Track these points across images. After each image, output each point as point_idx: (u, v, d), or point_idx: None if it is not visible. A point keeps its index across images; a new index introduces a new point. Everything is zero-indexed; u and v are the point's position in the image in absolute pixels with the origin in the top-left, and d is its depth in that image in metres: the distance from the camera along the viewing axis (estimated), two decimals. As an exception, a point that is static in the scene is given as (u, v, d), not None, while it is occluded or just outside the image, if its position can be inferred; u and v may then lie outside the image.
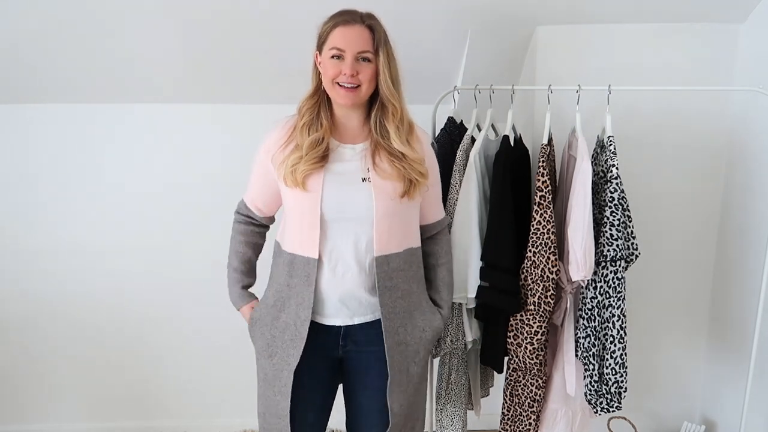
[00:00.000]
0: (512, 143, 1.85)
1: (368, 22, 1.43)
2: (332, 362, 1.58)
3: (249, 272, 1.69)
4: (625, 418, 2.32)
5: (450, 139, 1.99)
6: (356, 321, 1.53)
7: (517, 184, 1.86)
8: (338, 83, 1.42)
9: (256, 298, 1.66)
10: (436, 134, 2.06)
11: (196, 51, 2.14)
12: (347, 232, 1.47)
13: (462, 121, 2.09)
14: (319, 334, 1.51)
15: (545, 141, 1.81)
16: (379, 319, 1.51)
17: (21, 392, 2.58)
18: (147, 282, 2.50)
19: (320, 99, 1.50)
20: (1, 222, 2.43)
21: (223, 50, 2.13)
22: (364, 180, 1.47)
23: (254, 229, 1.68)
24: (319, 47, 1.46)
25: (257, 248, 1.71)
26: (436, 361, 2.06)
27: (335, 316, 1.52)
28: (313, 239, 1.46)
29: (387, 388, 1.52)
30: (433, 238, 1.67)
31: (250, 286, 1.69)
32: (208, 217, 2.44)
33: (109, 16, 1.99)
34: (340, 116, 1.51)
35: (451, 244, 1.75)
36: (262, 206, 1.64)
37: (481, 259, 1.82)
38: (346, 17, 1.42)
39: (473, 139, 1.91)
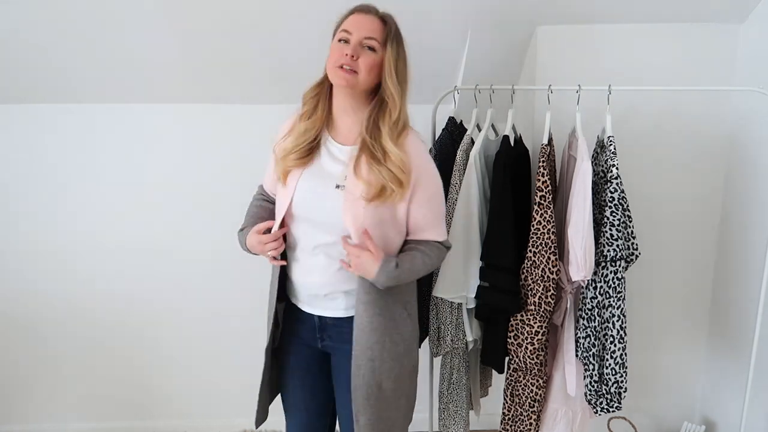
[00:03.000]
0: (512, 143, 1.85)
1: (382, 14, 1.47)
2: (315, 350, 1.62)
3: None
4: (625, 418, 2.32)
5: (451, 139, 1.99)
6: (325, 313, 1.55)
7: (518, 184, 1.86)
8: (338, 66, 1.41)
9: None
10: (437, 134, 2.07)
11: (196, 51, 2.13)
12: (315, 232, 1.49)
13: (462, 121, 2.09)
14: (298, 319, 1.59)
15: (545, 141, 1.81)
16: (353, 316, 1.51)
17: (21, 392, 2.58)
18: (147, 282, 2.50)
19: (323, 90, 1.50)
20: (1, 222, 2.43)
21: (223, 50, 2.13)
22: (338, 187, 1.45)
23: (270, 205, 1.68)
24: (333, 35, 1.48)
25: (272, 214, 1.66)
26: (438, 361, 2.07)
27: (310, 305, 1.57)
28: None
29: (352, 401, 1.51)
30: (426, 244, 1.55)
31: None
32: (209, 216, 2.45)
33: (109, 16, 1.99)
34: (338, 110, 1.50)
35: (439, 257, 1.57)
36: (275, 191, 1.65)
37: (481, 259, 1.82)
38: (363, 7, 1.47)
39: (473, 140, 1.91)
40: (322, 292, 1.52)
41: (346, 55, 1.39)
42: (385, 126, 1.42)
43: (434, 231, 1.53)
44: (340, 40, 1.43)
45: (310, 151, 1.48)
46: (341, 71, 1.40)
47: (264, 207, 1.67)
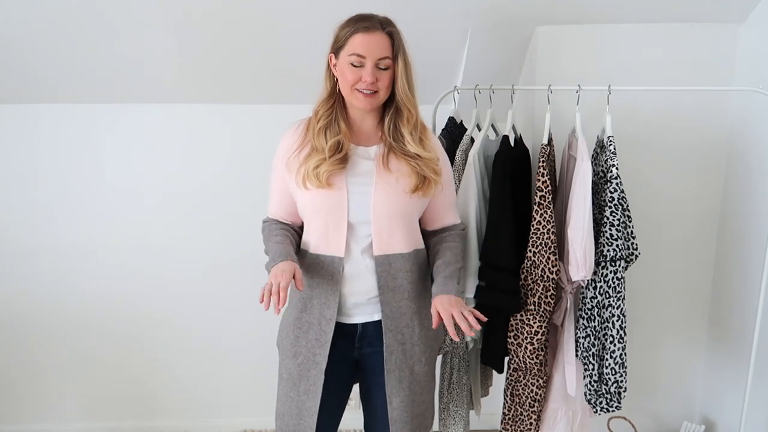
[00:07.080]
0: (512, 143, 1.85)
1: (388, 29, 1.44)
2: (349, 363, 1.59)
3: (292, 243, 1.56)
4: (625, 418, 2.32)
5: (451, 139, 1.99)
6: (368, 319, 1.54)
7: (517, 184, 1.86)
8: (357, 89, 1.44)
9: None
10: (437, 134, 2.07)
11: (196, 51, 2.13)
12: (360, 231, 1.50)
13: (462, 121, 2.09)
14: (338, 333, 1.52)
15: (545, 141, 1.81)
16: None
17: (21, 392, 2.58)
18: (147, 282, 2.50)
19: (336, 102, 1.51)
20: (1, 221, 2.43)
21: (222, 51, 2.13)
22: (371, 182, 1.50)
23: (287, 226, 1.60)
24: (335, 51, 1.46)
25: (296, 236, 1.60)
26: (439, 360, 2.07)
27: (353, 315, 1.54)
28: (340, 238, 1.49)
29: (385, 383, 1.53)
30: (450, 236, 1.64)
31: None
32: (208, 216, 2.45)
33: (108, 17, 1.99)
34: (355, 119, 1.53)
35: (463, 241, 1.68)
36: (287, 216, 1.61)
37: (480, 259, 1.82)
38: (366, 24, 1.42)
39: (473, 140, 1.91)
40: (367, 297, 1.52)
41: (365, 81, 1.42)
42: (406, 130, 1.49)
43: (453, 214, 1.66)
44: (352, 64, 1.43)
45: (342, 159, 1.48)
46: (361, 95, 1.45)
47: (288, 230, 1.58)
